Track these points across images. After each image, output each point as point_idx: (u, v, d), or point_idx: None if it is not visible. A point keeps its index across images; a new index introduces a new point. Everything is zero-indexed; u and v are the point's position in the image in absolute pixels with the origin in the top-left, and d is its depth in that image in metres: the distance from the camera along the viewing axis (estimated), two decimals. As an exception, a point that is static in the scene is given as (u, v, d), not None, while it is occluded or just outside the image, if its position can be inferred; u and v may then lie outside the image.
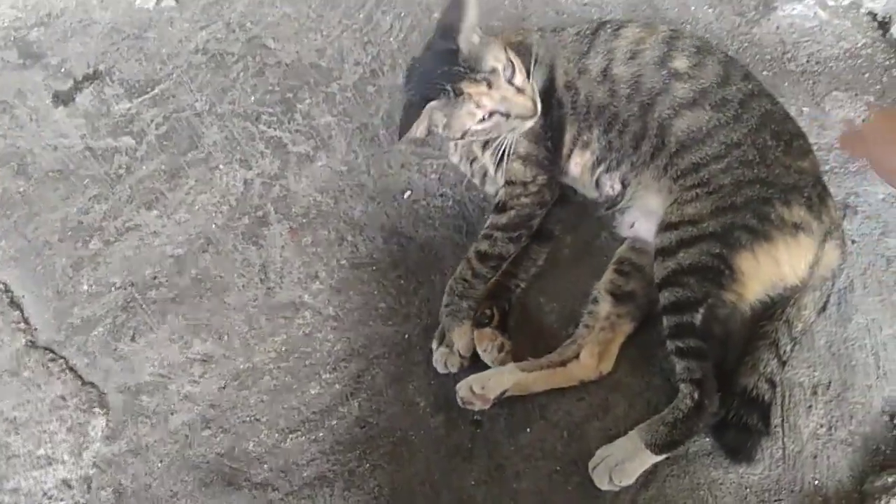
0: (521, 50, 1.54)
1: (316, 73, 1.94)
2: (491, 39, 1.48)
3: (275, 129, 1.85)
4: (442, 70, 1.40)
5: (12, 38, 2.04)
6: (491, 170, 1.61)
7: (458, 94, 1.39)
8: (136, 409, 1.53)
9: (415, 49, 1.96)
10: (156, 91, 1.93)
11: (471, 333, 1.50)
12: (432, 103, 1.39)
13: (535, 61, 1.51)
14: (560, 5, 2.04)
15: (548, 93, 1.55)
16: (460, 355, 1.48)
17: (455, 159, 1.66)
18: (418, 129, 1.44)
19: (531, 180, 1.55)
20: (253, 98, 1.90)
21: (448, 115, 1.43)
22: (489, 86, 1.40)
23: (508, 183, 1.56)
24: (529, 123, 1.47)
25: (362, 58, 1.96)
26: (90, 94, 1.93)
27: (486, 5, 2.04)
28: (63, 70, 1.98)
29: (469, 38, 1.42)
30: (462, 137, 1.48)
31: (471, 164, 1.66)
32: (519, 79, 1.44)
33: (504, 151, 1.52)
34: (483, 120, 1.43)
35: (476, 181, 1.70)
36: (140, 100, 1.92)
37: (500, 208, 1.55)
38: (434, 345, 1.51)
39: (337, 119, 1.84)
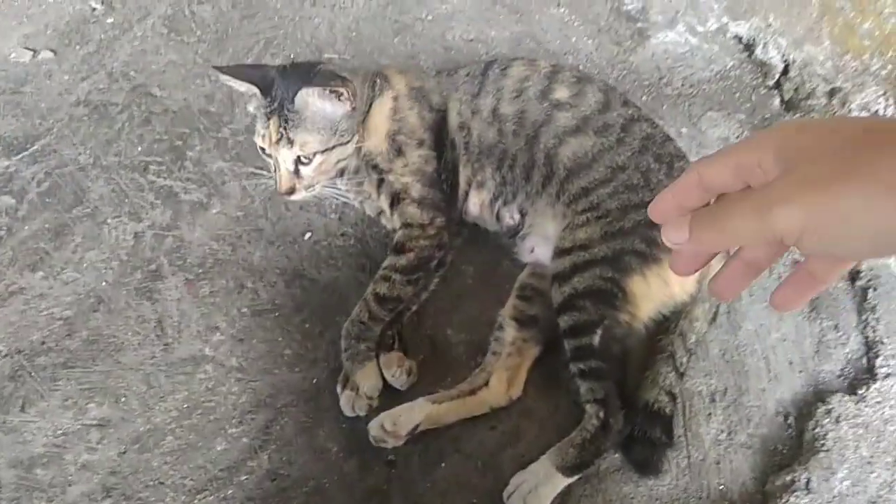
0: (420, 95, 1.59)
1: (205, 118, 1.90)
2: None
3: (164, 178, 1.80)
4: (287, 89, 1.44)
5: None
6: (386, 211, 1.62)
7: (268, 116, 1.45)
8: (30, 483, 1.43)
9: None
10: (36, 147, 1.85)
11: (376, 374, 1.49)
12: (256, 90, 1.46)
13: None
14: (448, 42, 2.09)
15: (441, 135, 1.58)
16: (367, 397, 1.47)
17: (350, 196, 1.65)
18: (234, 85, 1.51)
19: (429, 223, 1.56)
20: (140, 148, 1.85)
21: (256, 113, 1.50)
22: (278, 141, 1.45)
23: (406, 225, 1.57)
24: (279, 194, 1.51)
25: (253, 101, 1.94)
26: (-36, 153, 1.83)
27: (376, 42, 2.08)
28: (-69, 130, 1.87)
29: (308, 105, 1.45)
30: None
31: (364, 201, 1.67)
32: (308, 171, 1.49)
33: (397, 195, 1.54)
34: (263, 150, 1.51)
35: (372, 215, 1.70)
36: (19, 157, 1.83)
37: (398, 249, 1.55)
38: (339, 389, 1.49)
39: (230, 164, 1.81)
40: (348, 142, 1.51)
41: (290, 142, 1.45)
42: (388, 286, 1.51)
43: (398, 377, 1.50)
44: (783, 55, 1.96)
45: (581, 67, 2.00)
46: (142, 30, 2.09)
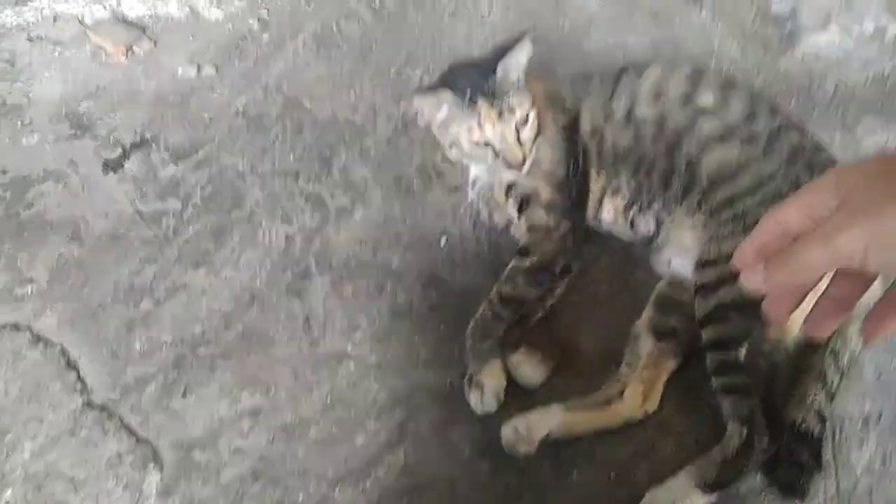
0: (555, 97, 1.60)
1: (350, 129, 2.00)
2: (528, 86, 1.53)
3: (314, 184, 1.91)
4: (474, 78, 1.46)
5: (63, 112, 2.15)
6: (514, 216, 1.64)
7: (472, 106, 1.45)
8: (188, 464, 1.56)
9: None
10: (199, 155, 2.01)
11: (500, 372, 1.51)
12: (448, 93, 1.46)
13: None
14: (585, 50, 2.09)
15: (573, 141, 1.58)
16: (493, 395, 1.49)
17: (479, 206, 1.68)
18: (425, 104, 1.51)
19: (555, 227, 1.56)
20: (292, 156, 1.97)
21: (452, 117, 1.49)
22: (500, 116, 1.45)
23: (531, 229, 1.58)
24: (509, 175, 1.52)
25: (394, 112, 2.02)
26: (138, 160, 2.02)
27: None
28: (112, 139, 2.08)
29: (509, 68, 1.47)
30: (448, 144, 1.53)
31: (493, 211, 1.69)
32: (527, 133, 1.49)
33: (527, 198, 1.56)
34: (476, 144, 1.48)
35: (501, 224, 1.72)
36: (185, 163, 2.00)
37: (523, 252, 1.57)
38: (465, 388, 1.52)
39: (372, 172, 1.90)
40: (532, 116, 1.52)
41: (511, 109, 1.46)
42: (511, 286, 1.54)
43: (531, 371, 1.51)
44: (952, 57, 1.81)
45: (725, 73, 1.94)
46: (294, 46, 2.23)
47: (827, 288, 0.65)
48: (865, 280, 0.63)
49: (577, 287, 1.67)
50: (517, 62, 1.49)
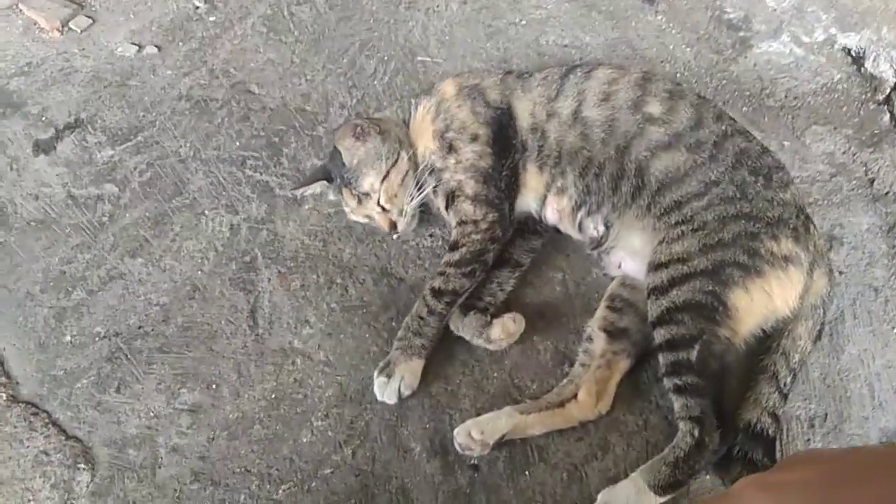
0: (474, 93, 1.64)
1: (301, 117, 1.94)
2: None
3: (261, 173, 1.84)
4: (338, 167, 1.63)
5: (-8, 88, 2.03)
6: (443, 211, 1.64)
7: (342, 191, 1.63)
8: (122, 463, 1.47)
9: (399, 92, 1.98)
10: (139, 138, 1.92)
11: (418, 374, 1.51)
12: (325, 182, 1.66)
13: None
14: (541, 47, 2.07)
15: (507, 134, 1.58)
16: (400, 389, 1.48)
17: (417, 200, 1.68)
18: (307, 192, 1.71)
19: (481, 218, 1.57)
20: (238, 143, 1.89)
21: (336, 196, 1.68)
22: (359, 202, 1.61)
23: (460, 223, 1.58)
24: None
25: (347, 101, 1.97)
26: (72, 142, 1.91)
27: (469, 46, 2.08)
28: (44, 119, 1.96)
29: (352, 156, 1.61)
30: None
31: (429, 204, 1.69)
32: (386, 202, 1.61)
33: (452, 193, 1.58)
34: (358, 217, 1.67)
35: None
36: (123, 147, 1.90)
37: (453, 246, 1.57)
38: (376, 373, 1.50)
39: (324, 162, 1.84)
40: (397, 159, 1.61)
41: (365, 194, 1.60)
42: (442, 280, 1.53)
43: (512, 325, 1.54)
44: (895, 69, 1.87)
45: (678, 76, 1.96)
46: (242, 29, 2.14)
47: None
48: None
49: (531, 286, 1.66)
50: (357, 150, 1.60)
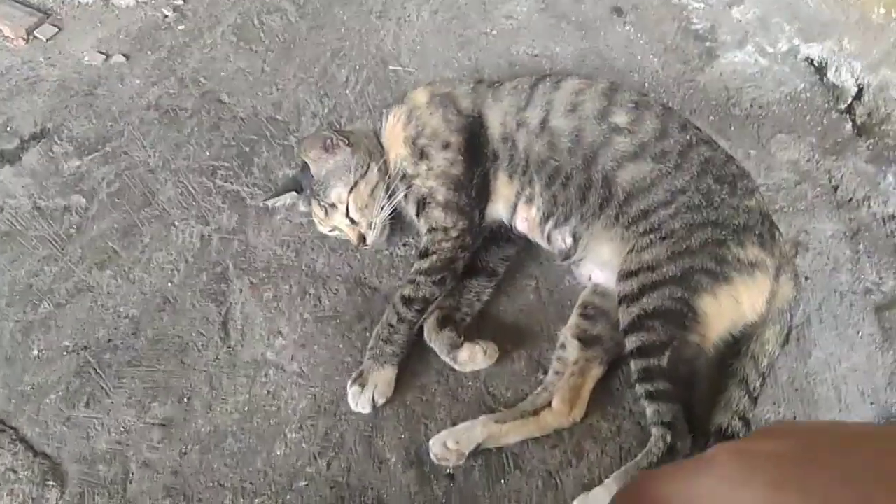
0: (446, 100, 1.65)
1: (272, 126, 1.93)
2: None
3: (232, 183, 1.82)
4: (307, 178, 1.63)
5: (-46, 98, 1.98)
6: (413, 218, 1.64)
7: (311, 203, 1.64)
8: (92, 479, 1.44)
9: (371, 101, 1.98)
10: (107, 148, 1.89)
11: (391, 381, 1.51)
12: (294, 193, 1.67)
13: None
14: (512, 56, 2.09)
15: (478, 142, 1.60)
16: (374, 397, 1.48)
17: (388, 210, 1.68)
18: (279, 202, 1.71)
19: (452, 226, 1.58)
20: (208, 153, 1.88)
21: (306, 207, 1.69)
22: (327, 214, 1.62)
23: (431, 229, 1.59)
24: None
25: (319, 110, 1.96)
26: (38, 152, 1.88)
27: (440, 56, 2.09)
28: (9, 129, 1.92)
29: (319, 167, 1.61)
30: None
31: (402, 213, 1.69)
32: (355, 213, 1.61)
33: (423, 200, 1.59)
34: (328, 229, 1.67)
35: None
36: (90, 157, 1.87)
37: (423, 253, 1.58)
38: (349, 384, 1.50)
39: (295, 171, 1.83)
40: (367, 170, 1.61)
41: (332, 205, 1.60)
42: (412, 288, 1.53)
43: (481, 358, 1.53)
44: (857, 79, 1.92)
45: (646, 85, 1.99)
46: (212, 38, 2.13)
47: None
48: None
49: (505, 294, 1.66)
50: (325, 162, 1.60)
